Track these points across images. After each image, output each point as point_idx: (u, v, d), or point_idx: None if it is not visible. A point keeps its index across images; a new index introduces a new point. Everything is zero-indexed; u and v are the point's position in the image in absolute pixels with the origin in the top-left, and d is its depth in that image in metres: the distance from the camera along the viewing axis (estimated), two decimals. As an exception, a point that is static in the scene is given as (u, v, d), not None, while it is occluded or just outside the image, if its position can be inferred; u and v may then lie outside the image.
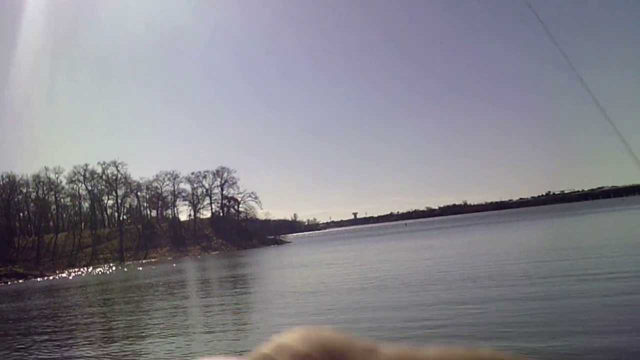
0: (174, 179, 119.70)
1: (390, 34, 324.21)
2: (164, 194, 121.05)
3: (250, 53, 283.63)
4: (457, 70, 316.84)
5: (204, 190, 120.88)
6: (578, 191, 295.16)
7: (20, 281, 66.19)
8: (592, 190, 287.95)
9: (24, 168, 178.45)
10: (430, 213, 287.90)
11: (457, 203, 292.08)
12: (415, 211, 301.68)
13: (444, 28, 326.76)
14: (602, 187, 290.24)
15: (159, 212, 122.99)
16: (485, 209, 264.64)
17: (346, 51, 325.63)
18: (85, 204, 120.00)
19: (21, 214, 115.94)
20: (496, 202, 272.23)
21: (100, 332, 17.49)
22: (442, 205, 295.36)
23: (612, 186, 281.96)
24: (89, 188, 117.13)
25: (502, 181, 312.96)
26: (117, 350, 13.29)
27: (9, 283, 64.53)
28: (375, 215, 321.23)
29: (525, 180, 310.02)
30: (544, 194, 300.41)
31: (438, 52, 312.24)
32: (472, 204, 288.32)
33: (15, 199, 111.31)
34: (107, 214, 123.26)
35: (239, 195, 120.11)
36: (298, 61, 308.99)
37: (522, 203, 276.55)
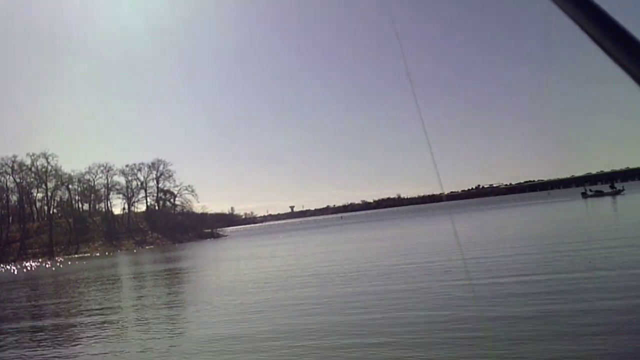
0: (108, 171, 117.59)
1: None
2: (96, 187, 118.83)
3: (183, 47, 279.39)
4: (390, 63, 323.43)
5: (139, 183, 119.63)
6: (507, 185, 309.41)
7: (-58, 278, 63.76)
8: (520, 183, 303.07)
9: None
10: (365, 206, 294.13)
11: (391, 196, 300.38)
12: (351, 204, 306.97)
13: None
14: (531, 181, 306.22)
15: (91, 205, 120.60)
16: (418, 202, 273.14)
17: (299, 45, 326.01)
18: (13, 197, 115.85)
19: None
20: (429, 195, 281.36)
21: (28, 330, 16.60)
22: (377, 199, 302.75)
23: (539, 180, 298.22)
24: (17, 180, 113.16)
25: (435, 175, 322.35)
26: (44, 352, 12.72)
27: None
28: (312, 208, 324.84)
29: (457, 175, 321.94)
30: (474, 187, 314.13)
31: (378, 44, 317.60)
32: (405, 197, 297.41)
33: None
34: (36, 207, 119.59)
35: (175, 189, 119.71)
36: (233, 52, 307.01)
37: (452, 196, 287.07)
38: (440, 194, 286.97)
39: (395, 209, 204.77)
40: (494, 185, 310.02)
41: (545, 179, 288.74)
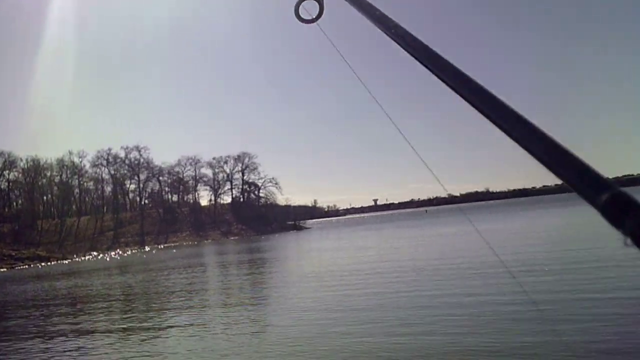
0: (196, 163, 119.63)
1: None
2: (185, 179, 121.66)
3: (263, 45, 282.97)
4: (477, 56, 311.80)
5: (225, 175, 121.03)
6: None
7: (43, 264, 66.80)
8: (616, 177, 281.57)
9: (48, 152, 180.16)
10: (451, 200, 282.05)
11: (479, 190, 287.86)
12: (436, 198, 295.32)
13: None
14: (631, 175, 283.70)
15: (180, 196, 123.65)
16: (507, 196, 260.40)
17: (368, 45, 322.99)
18: (108, 188, 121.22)
19: (45, 198, 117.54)
20: (519, 190, 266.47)
21: (119, 311, 17.41)
22: (463, 193, 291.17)
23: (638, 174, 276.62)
24: (112, 172, 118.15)
25: (525, 168, 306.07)
26: (134, 334, 13.05)
27: (32, 266, 65.22)
28: (396, 201, 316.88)
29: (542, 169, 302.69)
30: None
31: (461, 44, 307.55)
32: (494, 191, 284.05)
33: (40, 183, 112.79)
34: (129, 198, 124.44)
35: (260, 181, 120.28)
36: (314, 53, 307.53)
37: (544, 191, 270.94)
38: (533, 187, 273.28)
39: (481, 203, 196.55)
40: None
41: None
